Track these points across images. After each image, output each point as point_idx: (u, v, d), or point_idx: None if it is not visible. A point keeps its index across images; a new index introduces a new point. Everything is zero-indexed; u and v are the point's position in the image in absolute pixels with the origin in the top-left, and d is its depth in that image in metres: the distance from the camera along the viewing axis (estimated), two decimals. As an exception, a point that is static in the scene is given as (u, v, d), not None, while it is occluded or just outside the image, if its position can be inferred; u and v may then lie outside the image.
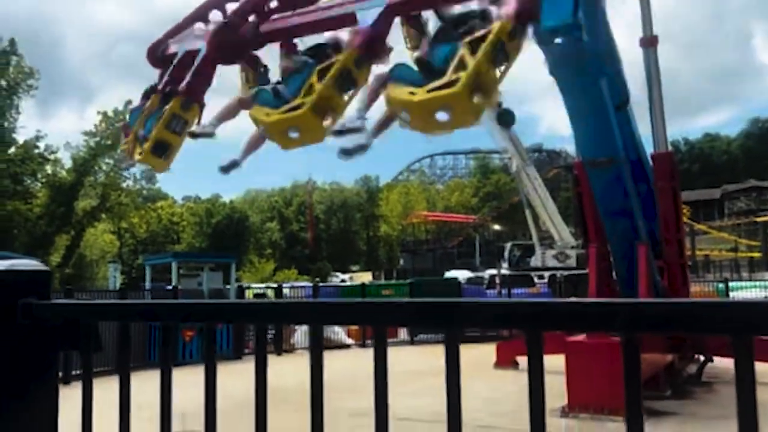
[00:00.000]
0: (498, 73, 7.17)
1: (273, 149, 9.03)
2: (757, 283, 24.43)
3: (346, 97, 8.26)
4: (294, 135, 8.33)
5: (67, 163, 46.33)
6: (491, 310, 0.91)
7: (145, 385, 2.01)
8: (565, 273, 32.24)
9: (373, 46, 8.07)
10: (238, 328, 16.68)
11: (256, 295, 21.26)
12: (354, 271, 65.60)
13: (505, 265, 36.41)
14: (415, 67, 7.52)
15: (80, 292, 15.55)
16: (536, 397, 0.96)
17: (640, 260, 9.67)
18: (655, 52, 10.83)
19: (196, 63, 9.52)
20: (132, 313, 1.39)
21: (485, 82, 6.93)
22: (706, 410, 8.81)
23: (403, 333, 20.26)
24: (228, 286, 18.85)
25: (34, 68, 43.56)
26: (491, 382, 11.09)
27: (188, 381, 1.95)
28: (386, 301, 1.01)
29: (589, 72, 8.37)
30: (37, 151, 42.98)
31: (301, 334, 18.18)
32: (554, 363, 7.97)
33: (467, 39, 7.07)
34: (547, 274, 34.59)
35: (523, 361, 11.15)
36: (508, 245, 42.57)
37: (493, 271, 30.86)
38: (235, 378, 3.26)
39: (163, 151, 9.78)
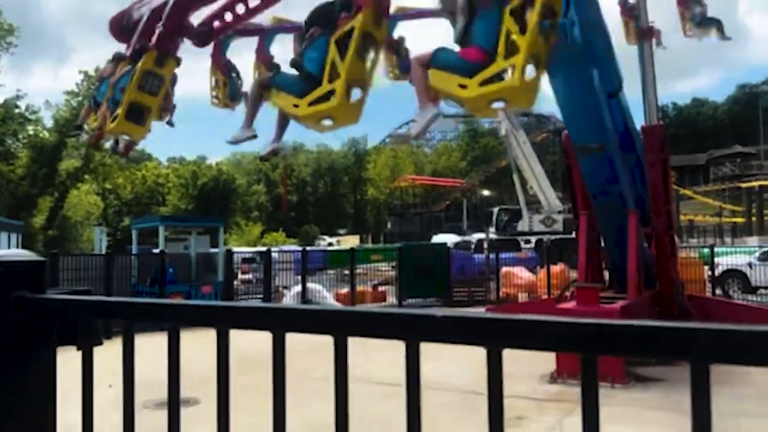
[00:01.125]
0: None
1: (261, 111, 8.34)
2: (742, 249, 24.74)
3: (369, 64, 7.58)
4: (328, 123, 7.64)
5: (48, 123, 45.59)
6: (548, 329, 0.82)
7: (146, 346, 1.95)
8: (552, 237, 32.51)
9: None
10: (228, 293, 16.65)
11: (244, 260, 21.18)
12: (341, 235, 65.63)
13: (492, 229, 36.51)
14: (456, 49, 6.80)
15: (65, 256, 15.38)
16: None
17: (630, 228, 9.66)
18: (650, 45, 10.69)
19: (166, 11, 8.72)
20: (135, 312, 1.30)
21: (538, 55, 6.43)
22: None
23: (391, 298, 20.34)
24: (216, 250, 18.74)
25: (13, 24, 42.50)
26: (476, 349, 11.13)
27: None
28: (423, 313, 0.93)
29: (580, 63, 8.16)
30: (17, 110, 42.18)
31: (290, 298, 18.18)
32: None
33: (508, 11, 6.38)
34: (534, 238, 34.88)
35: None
36: (496, 210, 42.66)
37: (481, 236, 30.96)
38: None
39: (138, 116, 8.80)
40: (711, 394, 0.80)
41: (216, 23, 11.94)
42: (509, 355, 0.95)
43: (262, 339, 1.22)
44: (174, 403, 1.32)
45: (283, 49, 9.59)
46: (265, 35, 12.62)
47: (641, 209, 10.27)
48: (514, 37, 6.24)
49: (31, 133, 43.84)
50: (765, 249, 20.50)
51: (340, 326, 1.05)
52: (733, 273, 20.06)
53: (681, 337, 0.70)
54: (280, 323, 1.10)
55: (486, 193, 61.78)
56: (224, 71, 13.07)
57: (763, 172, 61.78)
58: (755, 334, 0.65)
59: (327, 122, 7.58)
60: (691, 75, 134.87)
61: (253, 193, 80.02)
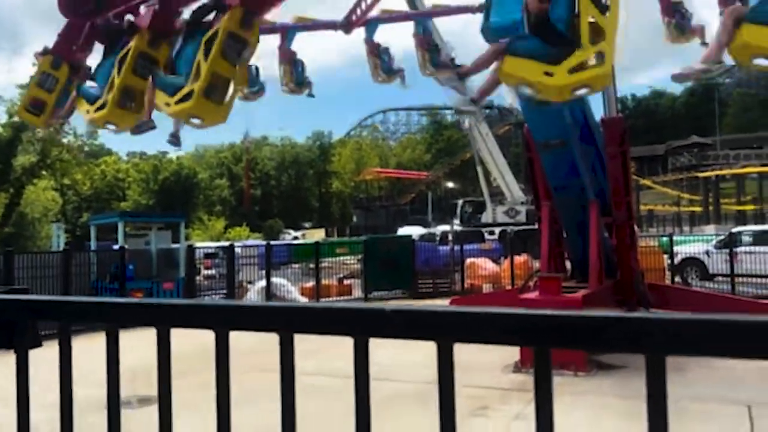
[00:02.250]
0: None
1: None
2: (699, 237, 25.31)
3: (238, 67, 7.65)
4: (196, 121, 7.82)
5: (2, 118, 44.23)
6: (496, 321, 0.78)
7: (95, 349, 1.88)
8: (516, 229, 32.83)
9: None
10: (190, 289, 16.40)
11: (207, 255, 20.89)
12: (306, 228, 65.28)
13: (456, 221, 36.70)
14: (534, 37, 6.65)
15: (21, 254, 14.93)
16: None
17: (591, 219, 9.77)
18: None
19: None
20: (75, 313, 1.22)
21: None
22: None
23: (357, 291, 20.29)
24: (177, 246, 18.44)
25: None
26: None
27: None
28: (373, 308, 0.88)
29: None
30: (-32, 105, 40.84)
31: (254, 293, 18.00)
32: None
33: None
34: (497, 230, 35.17)
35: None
36: (460, 202, 42.89)
37: (446, 228, 31.09)
38: (191, 338, 3.12)
39: (130, 101, 8.31)
40: (667, 384, 0.77)
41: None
42: (473, 345, 0.90)
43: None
44: (114, 404, 1.25)
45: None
46: (286, 33, 14.41)
47: (602, 200, 10.39)
48: (595, 20, 6.12)
49: (-17, 128, 42.52)
50: (721, 237, 20.99)
51: (286, 323, 0.99)
52: (692, 261, 20.50)
53: (635, 330, 0.66)
54: (222, 321, 1.05)
55: (450, 185, 62.10)
56: (289, 61, 14.74)
57: (719, 162, 63.40)
58: (708, 324, 0.62)
59: (196, 120, 7.77)
60: (649, 67, 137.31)
61: (215, 188, 79.02)
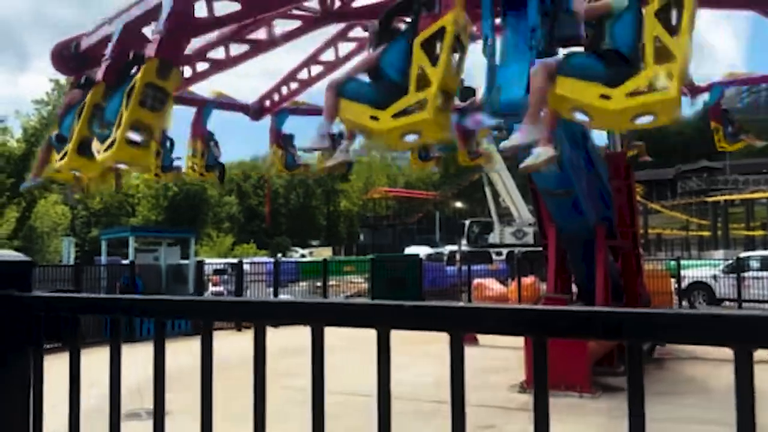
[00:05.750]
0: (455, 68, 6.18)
1: (231, 122, 8.46)
2: (707, 262, 25.29)
3: (160, 116, 7.64)
4: (412, 138, 6.70)
5: (17, 133, 44.81)
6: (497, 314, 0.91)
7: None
8: (523, 250, 32.85)
9: (175, 45, 7.40)
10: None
11: (216, 271, 21.04)
12: (314, 246, 65.44)
13: (464, 241, 36.76)
14: (367, 80, 6.35)
15: (36, 267, 15.10)
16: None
17: (598, 242, 9.85)
18: None
19: (164, 12, 7.77)
20: (116, 307, 1.35)
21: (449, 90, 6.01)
22: (656, 387, 9.11)
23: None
24: (186, 261, 18.60)
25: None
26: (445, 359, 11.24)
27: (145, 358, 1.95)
28: (390, 304, 1.01)
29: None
30: (-16, 120, 41.44)
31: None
32: (513, 340, 8.13)
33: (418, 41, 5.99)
34: (505, 250, 35.21)
35: (482, 337, 11.29)
36: (468, 222, 42.97)
37: (453, 248, 31.16)
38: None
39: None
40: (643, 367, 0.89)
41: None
42: (480, 367, 1.04)
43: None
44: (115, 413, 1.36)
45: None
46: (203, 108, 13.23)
47: (608, 222, 10.49)
48: (425, 69, 5.74)
49: (-2, 142, 43.11)
50: (729, 262, 20.99)
51: (318, 317, 1.12)
52: (699, 285, 20.50)
53: (614, 320, 0.79)
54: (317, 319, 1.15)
55: (458, 205, 62.20)
56: (204, 140, 13.45)
57: (728, 186, 63.26)
58: (672, 316, 0.75)
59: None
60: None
61: (224, 204, 79.40)
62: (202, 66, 11.53)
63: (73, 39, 9.42)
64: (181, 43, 8.32)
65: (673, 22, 5.29)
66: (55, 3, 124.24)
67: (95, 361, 1.96)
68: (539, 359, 0.96)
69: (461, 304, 0.97)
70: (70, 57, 9.34)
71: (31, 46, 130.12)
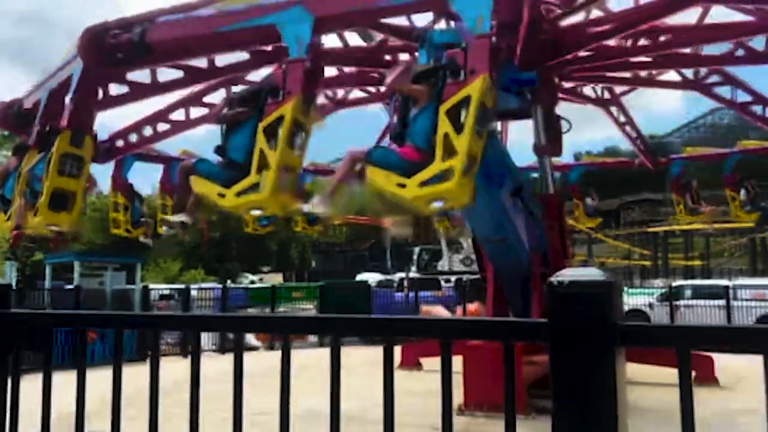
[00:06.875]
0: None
1: (175, 142, 8.51)
2: (644, 290, 26.32)
3: (297, 152, 7.26)
4: (257, 212, 7.99)
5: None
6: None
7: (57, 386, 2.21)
8: (471, 277, 33.42)
9: (313, 80, 7.21)
10: (143, 332, 16.32)
11: (162, 297, 20.85)
12: (264, 272, 64.89)
13: (414, 268, 37.19)
14: (393, 147, 6.70)
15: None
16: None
17: (534, 271, 10.31)
18: (551, 159, 11.53)
19: (73, 84, 8.01)
20: (83, 321, 1.62)
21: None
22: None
23: (312, 335, 20.40)
24: (132, 287, 18.42)
25: None
26: (398, 381, 11.50)
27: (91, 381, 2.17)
28: (343, 317, 1.34)
29: (486, 191, 8.45)
30: None
31: (206, 336, 18.01)
32: (456, 364, 8.42)
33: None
34: (453, 277, 35.74)
35: (425, 361, 11.56)
36: (417, 249, 43.47)
37: (403, 275, 31.51)
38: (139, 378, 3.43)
39: (62, 203, 8.06)
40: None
41: (119, 142, 11.99)
42: (421, 390, 1.37)
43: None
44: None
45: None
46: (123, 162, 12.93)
47: (543, 253, 10.98)
48: (450, 137, 6.08)
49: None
50: (663, 290, 21.91)
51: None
52: (636, 313, 21.33)
53: (535, 328, 1.13)
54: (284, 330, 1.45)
55: (409, 232, 62.67)
56: (126, 195, 13.07)
57: (668, 217, 65.65)
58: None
59: (255, 212, 7.99)
60: (603, 124, 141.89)
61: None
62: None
63: (17, 100, 9.49)
64: (92, 111, 8.51)
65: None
66: (12, 25, 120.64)
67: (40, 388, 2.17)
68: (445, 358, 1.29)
69: (391, 317, 1.33)
70: (13, 117, 9.37)
71: (40, 52, 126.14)
